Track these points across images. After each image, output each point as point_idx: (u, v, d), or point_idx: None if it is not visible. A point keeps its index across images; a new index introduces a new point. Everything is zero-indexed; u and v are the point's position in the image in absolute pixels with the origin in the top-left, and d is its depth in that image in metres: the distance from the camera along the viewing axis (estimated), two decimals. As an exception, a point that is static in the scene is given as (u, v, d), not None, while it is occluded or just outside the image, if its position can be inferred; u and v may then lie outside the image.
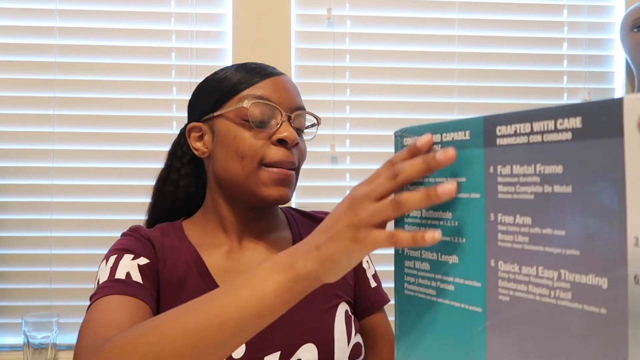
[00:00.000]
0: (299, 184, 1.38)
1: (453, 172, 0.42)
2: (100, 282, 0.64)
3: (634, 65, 1.39)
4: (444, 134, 0.43)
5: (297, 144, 0.71)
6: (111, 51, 1.36)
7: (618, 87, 1.47)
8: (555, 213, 0.34)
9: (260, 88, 0.70)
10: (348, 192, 1.56)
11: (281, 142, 0.69)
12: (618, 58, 1.46)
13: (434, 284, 0.43)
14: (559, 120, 0.34)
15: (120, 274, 0.64)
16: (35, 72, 1.34)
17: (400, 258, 0.47)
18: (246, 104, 0.69)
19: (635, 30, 1.34)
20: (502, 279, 0.38)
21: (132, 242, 0.70)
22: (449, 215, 0.42)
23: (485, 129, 0.39)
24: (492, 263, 0.38)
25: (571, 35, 1.46)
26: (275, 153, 0.69)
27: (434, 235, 0.40)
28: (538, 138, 0.35)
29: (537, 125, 0.35)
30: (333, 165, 1.40)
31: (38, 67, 1.34)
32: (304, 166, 1.40)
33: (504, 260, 0.38)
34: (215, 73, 0.75)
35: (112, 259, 0.67)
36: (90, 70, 1.35)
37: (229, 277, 0.70)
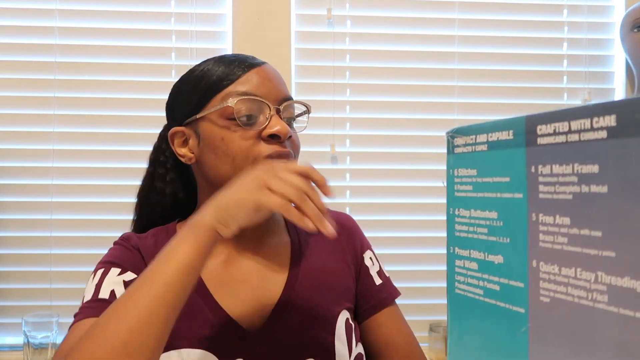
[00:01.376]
0: (299, 184, 1.39)
1: (498, 172, 0.42)
2: (84, 300, 0.63)
3: (634, 65, 1.39)
4: (489, 134, 0.43)
5: (290, 137, 0.67)
6: (111, 51, 1.36)
7: (618, 87, 1.47)
8: (592, 213, 0.34)
9: (244, 83, 0.66)
10: (348, 192, 1.54)
11: (273, 137, 0.65)
12: (618, 58, 1.46)
13: (481, 283, 0.44)
14: (595, 119, 0.34)
15: (104, 293, 0.62)
16: (35, 72, 1.34)
17: (451, 257, 0.48)
18: (231, 102, 0.64)
19: (635, 30, 1.34)
20: (543, 279, 0.37)
21: (121, 253, 0.67)
22: (494, 215, 0.42)
23: (526, 128, 0.39)
24: (534, 264, 0.38)
25: (571, 35, 1.46)
26: (268, 148, 0.64)
27: (308, 225, 0.51)
28: (575, 137, 0.35)
29: (575, 124, 0.35)
30: (333, 165, 1.40)
31: (38, 67, 1.34)
32: (304, 166, 1.40)
33: (545, 261, 0.37)
34: (192, 70, 0.70)
35: (99, 273, 0.64)
36: (90, 70, 1.35)
37: (226, 288, 0.67)
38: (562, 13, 1.46)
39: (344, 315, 0.70)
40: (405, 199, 1.41)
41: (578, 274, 0.35)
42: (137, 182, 1.33)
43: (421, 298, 1.40)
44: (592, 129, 0.34)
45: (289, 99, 0.69)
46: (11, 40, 1.35)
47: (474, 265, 0.44)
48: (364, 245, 0.80)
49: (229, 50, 1.37)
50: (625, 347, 0.32)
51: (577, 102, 1.47)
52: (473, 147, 0.45)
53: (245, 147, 0.64)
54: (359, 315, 0.75)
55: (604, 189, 0.33)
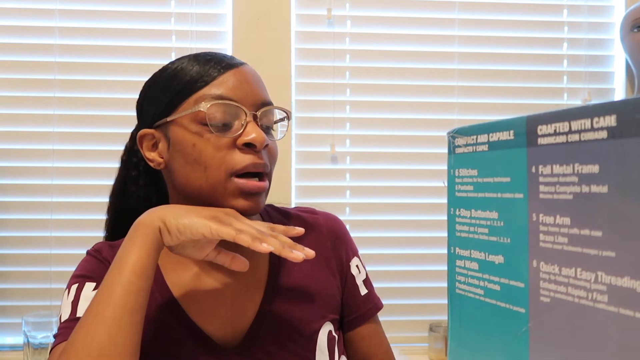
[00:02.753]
0: (299, 183, 1.39)
1: (498, 172, 0.42)
2: (62, 320, 0.61)
3: (634, 65, 1.39)
4: (490, 134, 0.43)
5: (267, 145, 0.62)
6: (111, 51, 1.36)
7: (618, 87, 1.47)
8: (593, 214, 0.34)
9: (219, 85, 0.61)
10: (348, 192, 1.53)
11: (249, 146, 0.60)
12: (618, 58, 1.46)
13: (482, 283, 0.44)
14: (595, 119, 0.34)
15: (81, 310, 0.60)
16: (35, 72, 1.34)
17: (452, 258, 0.48)
18: (203, 106, 0.59)
19: (635, 30, 1.34)
20: (544, 280, 0.37)
21: (94, 265, 0.65)
22: (495, 215, 0.42)
23: (527, 128, 0.39)
24: (535, 264, 0.38)
25: (571, 35, 1.46)
26: (243, 159, 0.60)
27: (262, 246, 0.53)
28: (576, 137, 0.35)
29: (575, 124, 0.35)
30: (333, 165, 1.40)
31: (38, 67, 1.34)
32: (303, 166, 1.41)
33: (545, 261, 0.37)
34: (164, 69, 0.66)
35: (74, 289, 0.62)
36: (90, 70, 1.35)
37: (198, 304, 0.64)
38: (562, 13, 1.46)
39: (326, 328, 0.68)
40: (405, 199, 1.41)
41: (578, 274, 0.35)
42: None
43: (421, 298, 1.40)
44: (592, 129, 0.34)
45: (268, 104, 0.64)
46: (11, 40, 1.34)
47: (475, 266, 0.45)
48: (351, 252, 0.76)
49: (229, 51, 1.37)
50: (625, 347, 0.32)
51: (577, 102, 1.47)
52: (474, 147, 0.45)
53: (219, 157, 0.59)
54: (343, 326, 0.73)
55: (604, 189, 0.33)
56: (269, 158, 0.63)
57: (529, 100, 1.45)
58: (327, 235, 0.74)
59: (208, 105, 0.59)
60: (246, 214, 0.61)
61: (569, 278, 0.35)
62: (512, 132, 0.41)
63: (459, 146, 0.47)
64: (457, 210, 0.47)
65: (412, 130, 1.41)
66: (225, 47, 1.39)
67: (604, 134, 0.33)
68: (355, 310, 0.73)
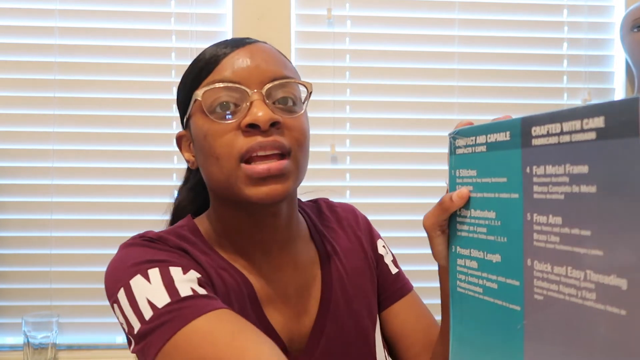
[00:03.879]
0: (299, 184, 1.39)
1: (496, 173, 0.43)
2: (159, 306, 0.48)
3: (634, 65, 1.39)
4: (488, 135, 0.44)
5: (276, 123, 0.55)
6: (111, 51, 1.36)
7: (618, 87, 1.47)
8: (582, 213, 0.35)
9: (222, 70, 0.56)
10: (348, 192, 1.53)
11: (253, 127, 0.54)
12: (618, 58, 1.46)
13: (480, 282, 0.45)
14: (585, 120, 0.34)
15: (184, 291, 0.50)
16: (35, 72, 1.34)
17: (453, 257, 0.49)
18: (198, 95, 0.56)
19: (635, 30, 1.34)
20: (537, 278, 0.38)
21: (165, 255, 0.55)
22: (492, 214, 0.43)
23: (522, 129, 0.40)
24: (529, 262, 0.39)
25: (571, 35, 1.46)
26: (247, 141, 0.54)
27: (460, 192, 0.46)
28: (567, 138, 0.36)
29: (566, 126, 0.36)
30: (333, 165, 1.40)
31: (38, 67, 1.34)
32: (304, 166, 1.40)
33: (539, 260, 0.38)
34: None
35: (155, 273, 0.51)
36: (90, 70, 1.35)
37: (271, 303, 0.61)
38: (562, 13, 1.47)
39: (378, 323, 0.69)
40: (406, 199, 1.41)
41: (569, 272, 0.36)
42: (138, 182, 1.34)
43: (422, 298, 1.40)
44: (582, 130, 0.34)
45: (279, 78, 0.57)
46: (11, 40, 1.35)
47: (474, 264, 0.45)
48: (375, 234, 0.77)
49: (229, 50, 1.37)
50: (613, 343, 0.32)
51: (577, 102, 1.47)
52: (473, 148, 0.46)
53: (226, 143, 0.55)
54: (379, 305, 0.72)
55: (593, 189, 0.34)
56: (290, 137, 0.56)
57: (529, 100, 1.45)
58: (355, 226, 0.74)
59: (201, 93, 0.56)
60: (264, 201, 0.54)
61: (560, 276, 0.36)
62: (508, 133, 0.41)
63: (459, 147, 0.47)
64: (458, 210, 0.48)
65: (412, 130, 1.41)
66: (225, 47, 1.39)
67: (592, 135, 0.34)
68: (387, 289, 0.72)
